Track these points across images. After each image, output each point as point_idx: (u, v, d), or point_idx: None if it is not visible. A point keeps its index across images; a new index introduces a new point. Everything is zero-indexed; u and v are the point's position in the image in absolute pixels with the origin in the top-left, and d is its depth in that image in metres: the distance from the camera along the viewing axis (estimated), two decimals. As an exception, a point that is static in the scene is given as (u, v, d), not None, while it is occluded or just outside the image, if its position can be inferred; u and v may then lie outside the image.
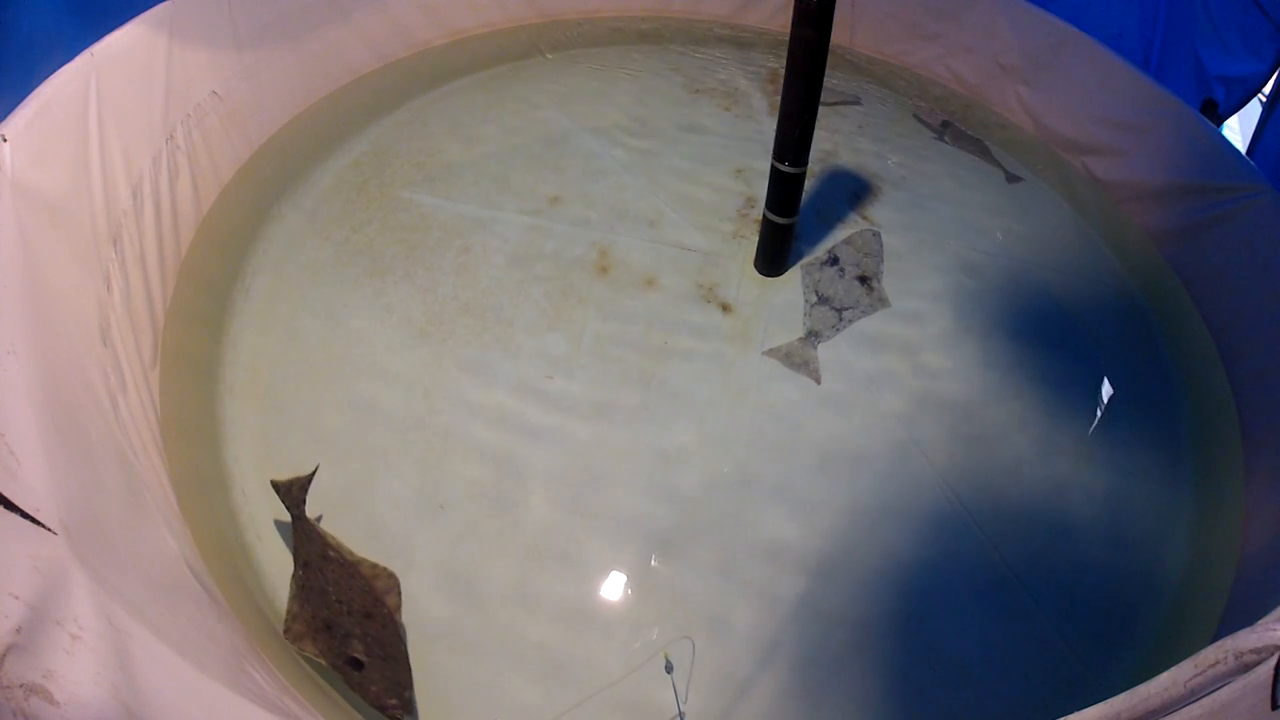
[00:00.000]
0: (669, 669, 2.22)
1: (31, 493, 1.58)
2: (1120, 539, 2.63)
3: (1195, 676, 1.18)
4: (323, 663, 2.10)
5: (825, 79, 2.63)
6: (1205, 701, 1.18)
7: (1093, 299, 3.31)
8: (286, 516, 2.34)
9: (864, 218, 3.42)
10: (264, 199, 3.32)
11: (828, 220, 3.39)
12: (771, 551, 2.48)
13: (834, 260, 3.23)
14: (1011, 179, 3.80)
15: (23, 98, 2.32)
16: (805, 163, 2.80)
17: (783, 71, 2.67)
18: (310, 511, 2.35)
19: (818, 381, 2.87)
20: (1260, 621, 1.19)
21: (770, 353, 2.93)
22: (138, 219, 2.70)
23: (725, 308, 3.05)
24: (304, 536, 2.28)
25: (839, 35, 3.99)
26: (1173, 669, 1.23)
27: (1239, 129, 4.80)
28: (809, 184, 3.26)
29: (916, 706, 2.27)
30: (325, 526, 2.37)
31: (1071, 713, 1.37)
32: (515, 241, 3.19)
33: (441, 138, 3.63)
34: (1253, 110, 4.17)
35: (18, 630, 1.33)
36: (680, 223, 3.33)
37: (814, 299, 3.09)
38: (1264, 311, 2.99)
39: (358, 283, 3.04)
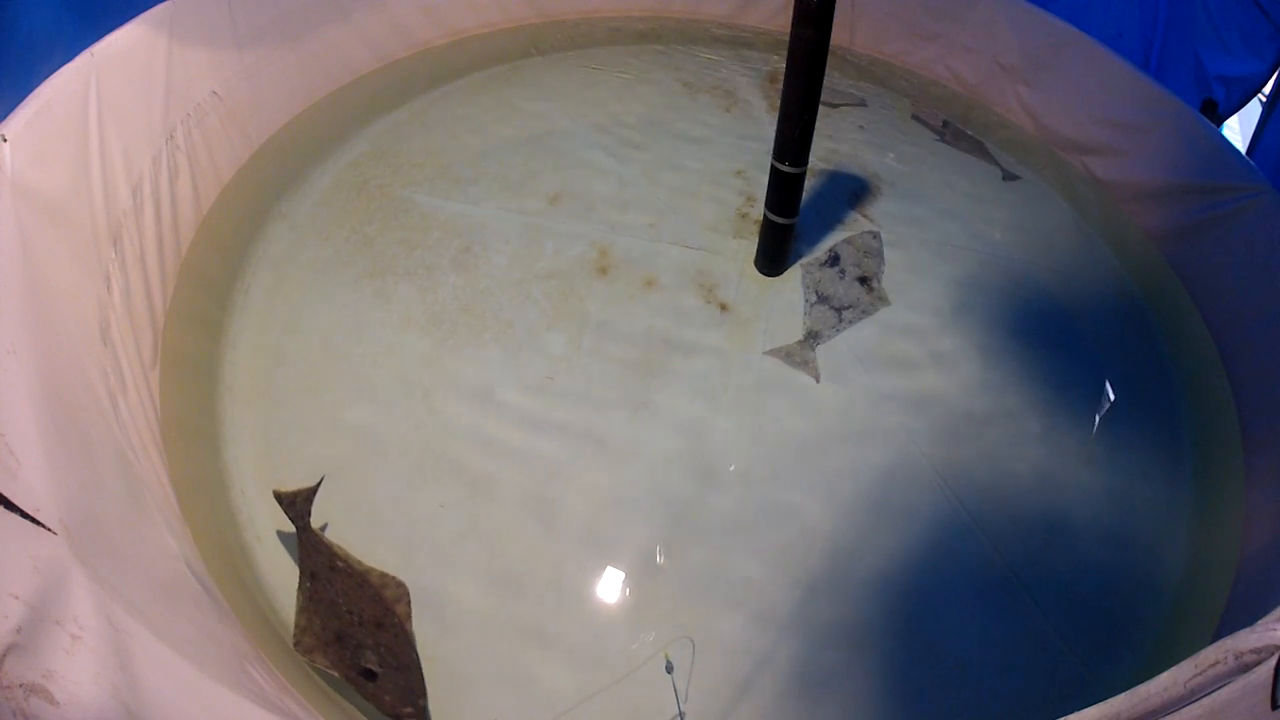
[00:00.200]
0: (669, 669, 2.22)
1: (31, 493, 1.58)
2: (1120, 539, 2.63)
3: (1195, 676, 1.18)
4: (335, 674, 2.07)
5: (828, 80, 2.63)
6: (1205, 701, 1.18)
7: (1093, 299, 3.30)
8: (287, 518, 2.34)
9: (864, 218, 3.42)
10: (264, 199, 3.32)
11: (828, 220, 3.39)
12: (772, 551, 2.48)
13: (834, 260, 3.23)
14: (1009, 177, 3.81)
15: (23, 98, 2.32)
16: (805, 163, 2.80)
17: (783, 71, 2.67)
18: (315, 523, 2.35)
19: (817, 381, 2.87)
20: (1260, 621, 1.19)
21: (770, 352, 2.93)
22: (138, 219, 2.70)
23: (725, 308, 3.05)
24: (310, 548, 2.27)
25: (839, 35, 3.99)
26: (1173, 669, 1.23)
27: (1239, 129, 4.79)
28: (809, 184, 3.26)
29: (916, 706, 2.27)
30: (327, 531, 2.37)
31: (1071, 713, 1.37)
32: (515, 241, 3.19)
33: (441, 138, 3.64)
34: (1253, 110, 4.17)
35: (18, 630, 1.33)
36: (680, 223, 3.33)
37: (814, 299, 3.09)
38: (1264, 311, 2.99)
39: (358, 282, 3.04)
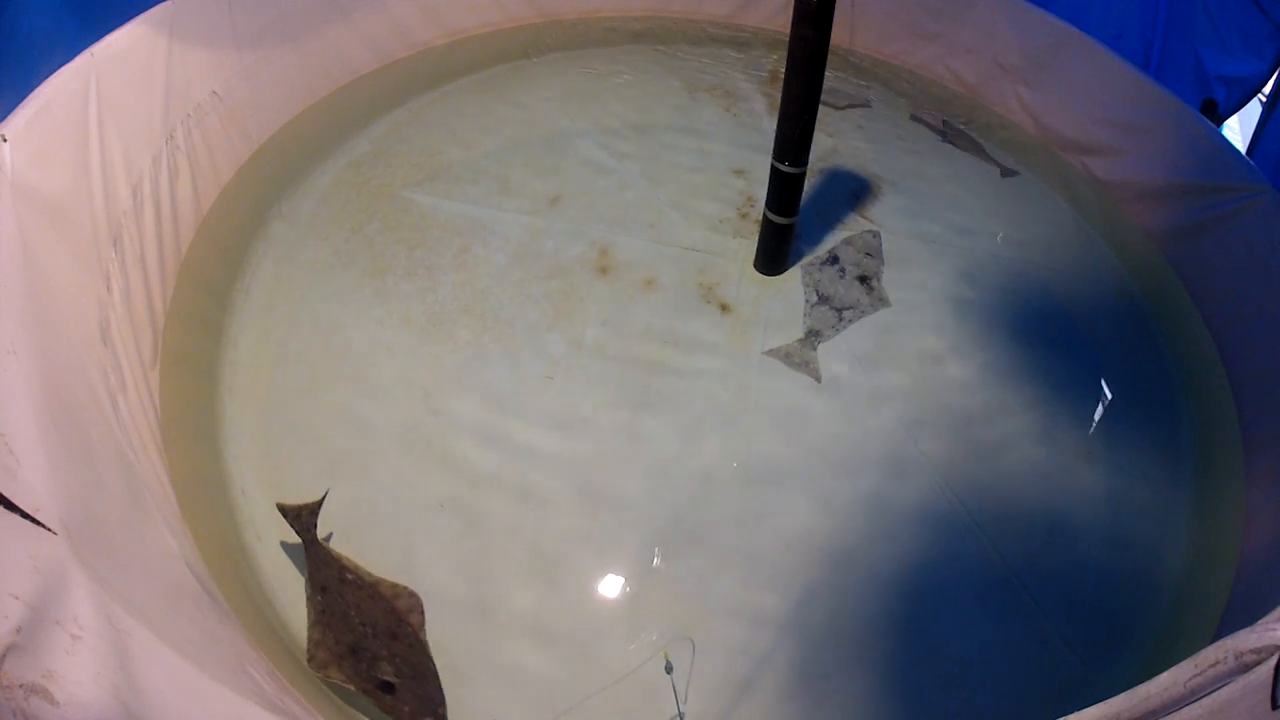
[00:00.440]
0: (669, 669, 2.22)
1: (31, 493, 1.59)
2: (1120, 539, 2.63)
3: (1195, 676, 1.18)
4: (351, 688, 2.06)
5: (832, 82, 2.64)
6: (1205, 701, 1.18)
7: (1093, 299, 3.30)
8: (284, 502, 2.34)
9: (864, 218, 3.42)
10: (264, 199, 3.32)
11: (828, 220, 3.39)
12: (772, 551, 2.48)
13: (834, 260, 3.23)
14: (1007, 174, 3.81)
15: (23, 98, 2.32)
16: (805, 163, 2.80)
17: (783, 71, 2.67)
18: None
19: (818, 381, 2.87)
20: (1260, 621, 1.19)
21: (770, 353, 2.93)
22: (138, 219, 2.70)
23: (725, 308, 3.05)
24: (319, 561, 2.26)
25: (839, 35, 3.99)
26: (1173, 669, 1.23)
27: (1239, 129, 4.80)
28: (809, 184, 3.26)
29: (916, 706, 2.27)
30: (328, 532, 2.37)
31: (1071, 713, 1.37)
32: (515, 241, 3.19)
33: (441, 138, 3.63)
34: (1253, 110, 4.17)
35: (18, 630, 1.33)
36: (680, 223, 3.33)
37: (814, 299, 3.09)
38: (1264, 312, 2.99)
39: (358, 283, 3.04)
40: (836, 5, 2.47)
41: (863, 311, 3.08)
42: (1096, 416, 2.92)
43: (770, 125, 3.53)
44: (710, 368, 2.87)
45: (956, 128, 4.03)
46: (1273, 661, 1.09)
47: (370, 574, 2.26)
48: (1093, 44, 3.72)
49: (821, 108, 3.89)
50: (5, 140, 2.14)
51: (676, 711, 2.17)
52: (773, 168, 2.84)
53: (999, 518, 2.60)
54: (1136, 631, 2.47)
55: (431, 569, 2.38)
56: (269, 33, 3.43)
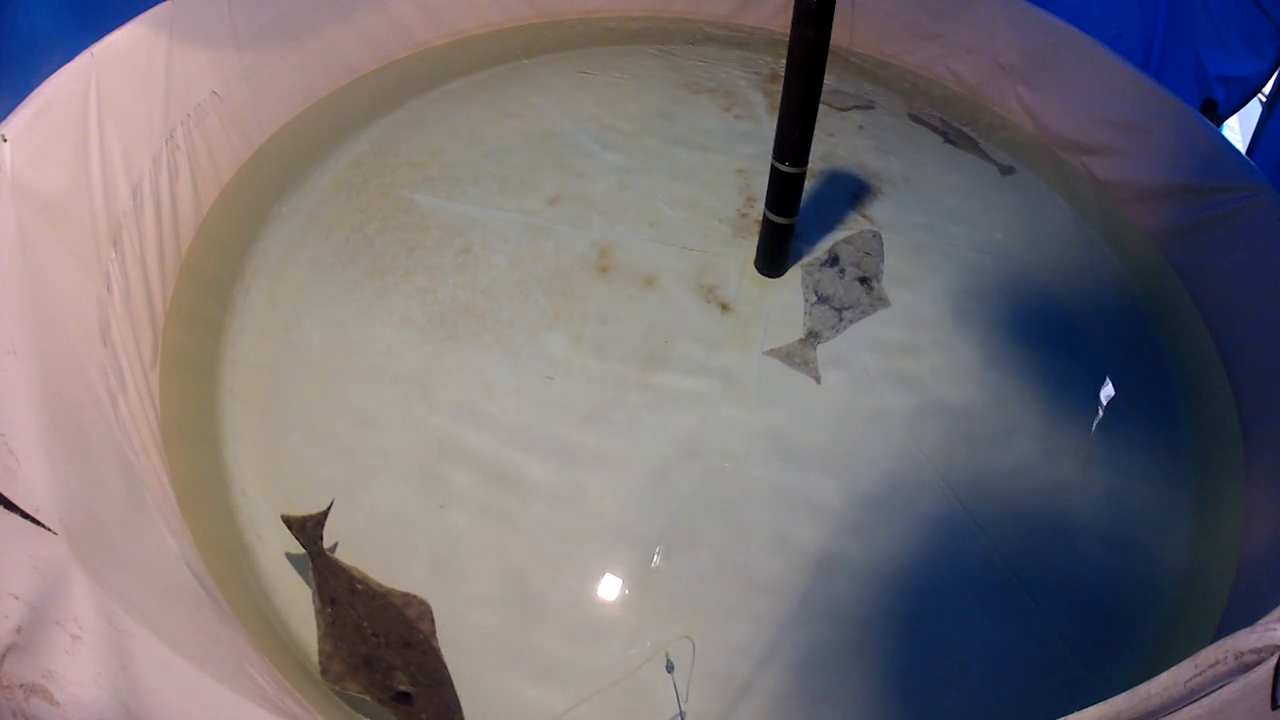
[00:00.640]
0: (669, 669, 2.22)
1: (31, 493, 1.58)
2: (1120, 539, 2.63)
3: (1195, 676, 1.18)
4: (366, 699, 2.05)
5: (835, 83, 2.63)
6: (1205, 701, 1.18)
7: (1093, 299, 3.30)
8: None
9: (864, 218, 3.42)
10: (264, 199, 3.32)
11: (828, 220, 3.39)
12: (772, 551, 2.48)
13: (834, 260, 3.23)
14: (1005, 170, 3.81)
15: (23, 98, 2.32)
16: (805, 163, 2.80)
17: (783, 71, 2.67)
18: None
19: (818, 381, 2.87)
20: (1260, 621, 1.19)
21: (770, 353, 2.93)
22: (138, 219, 2.69)
23: (725, 308, 3.05)
24: (327, 573, 2.25)
25: (839, 35, 3.99)
26: (1173, 669, 1.23)
27: (1239, 129, 4.79)
28: (809, 184, 3.26)
29: (916, 706, 2.27)
30: (333, 544, 2.36)
31: (1071, 713, 1.37)
32: (515, 241, 3.19)
33: (441, 138, 3.63)
34: (1253, 110, 4.16)
35: (18, 630, 1.33)
36: (680, 223, 3.33)
37: (814, 299, 3.09)
38: (1264, 312, 2.99)
39: (358, 283, 3.04)
40: (836, 5, 2.47)
41: (863, 311, 3.08)
42: (1096, 416, 2.92)
43: (770, 125, 3.53)
44: (710, 368, 2.87)
45: (956, 127, 4.03)
46: (1273, 661, 1.09)
47: (380, 584, 2.25)
48: (1093, 44, 3.72)
49: (824, 109, 3.90)
50: (5, 140, 2.14)
51: (677, 711, 2.17)
52: (773, 168, 2.84)
53: (999, 518, 2.60)
54: (1136, 631, 2.47)
55: (431, 569, 2.37)
56: (269, 33, 3.43)
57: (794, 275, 3.17)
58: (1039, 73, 3.96)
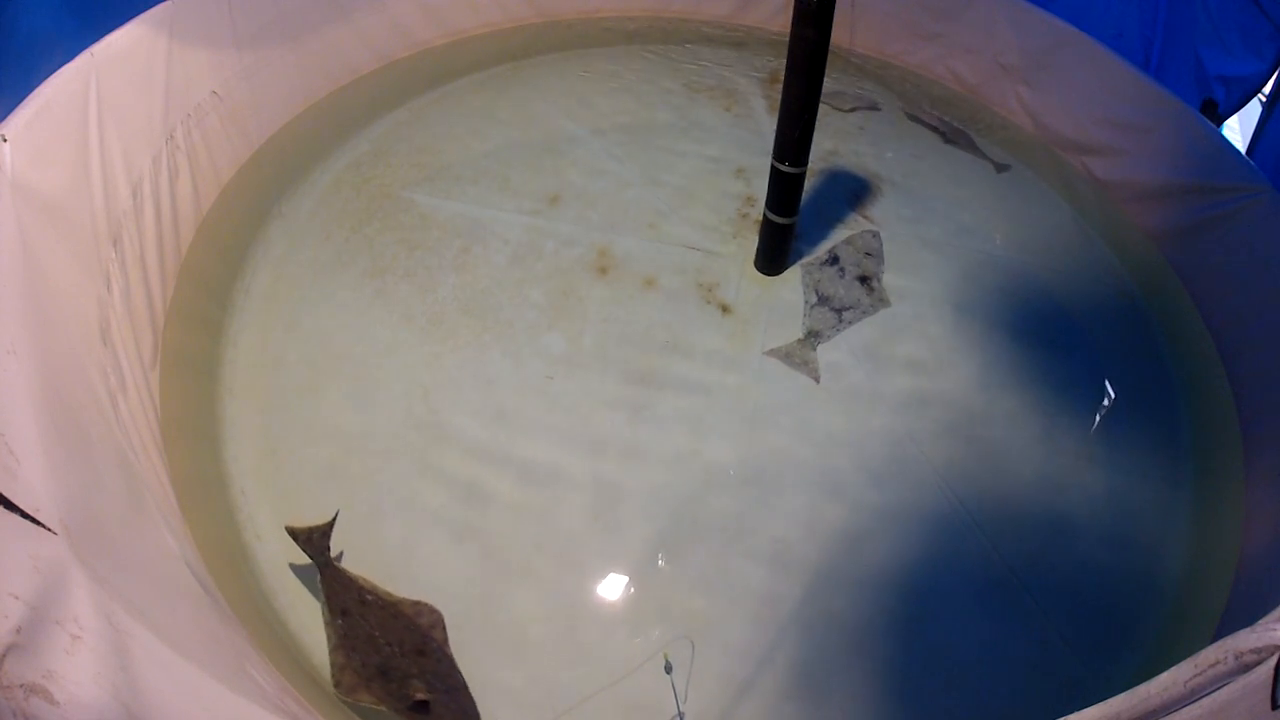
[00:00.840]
0: (669, 669, 2.22)
1: (31, 493, 1.58)
2: (1120, 539, 2.63)
3: (1195, 676, 1.18)
4: (382, 709, 2.04)
5: (837, 84, 2.63)
6: (1205, 701, 1.18)
7: (1093, 299, 3.30)
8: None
9: (864, 218, 3.42)
10: (264, 199, 3.32)
11: (828, 220, 3.39)
12: (771, 551, 2.48)
13: (834, 260, 3.23)
14: (1000, 168, 3.81)
15: (23, 98, 2.32)
16: (805, 163, 2.80)
17: (783, 71, 2.67)
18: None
19: (817, 381, 2.87)
20: (1260, 621, 1.19)
21: (770, 353, 2.93)
22: (138, 219, 2.70)
23: (725, 308, 3.05)
24: (336, 584, 2.24)
25: (839, 35, 3.99)
26: (1173, 669, 1.23)
27: (1239, 129, 4.79)
28: (809, 184, 3.26)
29: (916, 706, 2.27)
30: (338, 553, 2.35)
31: (1071, 713, 1.37)
32: (515, 241, 3.19)
33: (441, 138, 3.63)
34: (1253, 110, 4.16)
35: (18, 630, 1.33)
36: (680, 223, 3.33)
37: (814, 299, 3.09)
38: (1264, 311, 2.99)
39: (358, 282, 3.04)
40: (836, 5, 2.47)
41: (863, 311, 3.08)
42: (1096, 416, 2.92)
43: (770, 125, 3.53)
44: (710, 368, 2.87)
45: (952, 125, 4.03)
46: (1273, 661, 1.09)
47: (390, 594, 2.24)
48: (1093, 44, 3.72)
49: (827, 110, 3.90)
50: (5, 140, 2.14)
51: (676, 711, 2.17)
52: (773, 168, 2.84)
53: (999, 518, 2.60)
54: (1136, 631, 2.47)
55: (431, 570, 2.38)
56: (269, 33, 3.43)
57: (794, 275, 3.17)
58: (1039, 73, 3.96)
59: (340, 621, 2.16)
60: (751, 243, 3.19)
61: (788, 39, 2.55)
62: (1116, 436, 2.86)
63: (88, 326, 2.27)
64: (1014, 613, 2.45)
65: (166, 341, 2.73)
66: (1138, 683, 1.27)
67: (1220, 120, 4.16)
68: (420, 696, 2.04)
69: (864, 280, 3.17)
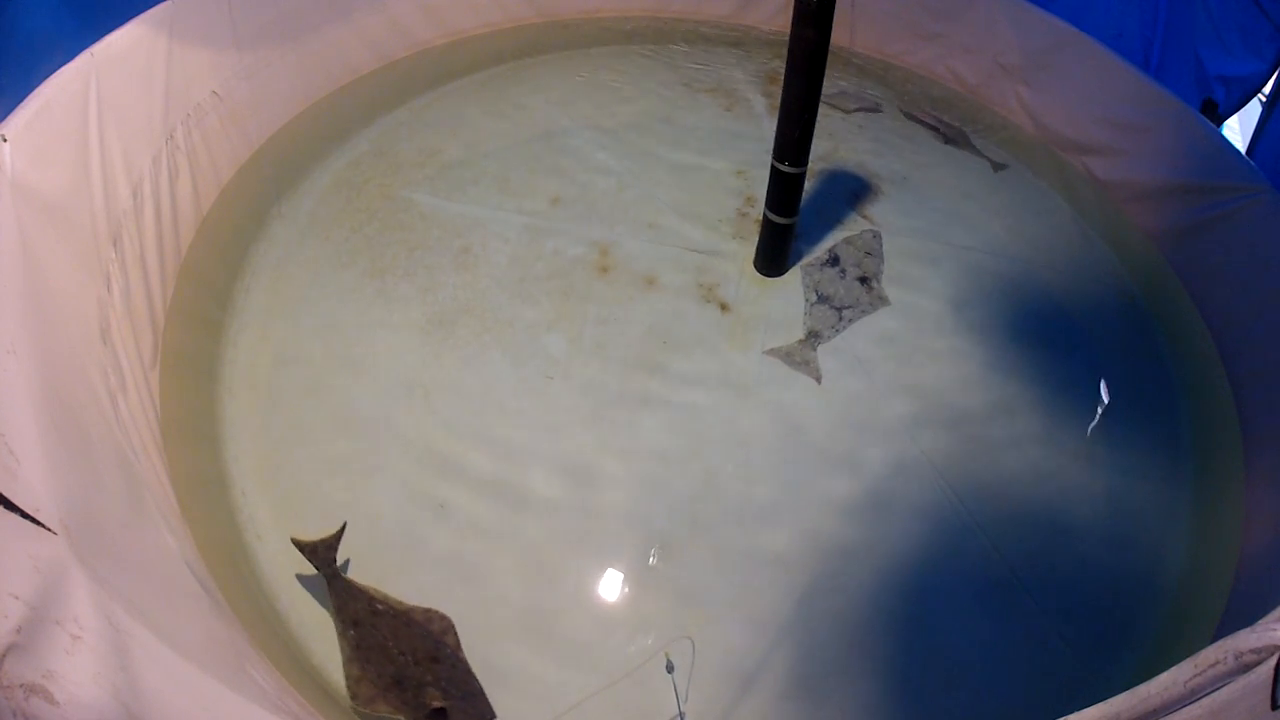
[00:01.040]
0: (669, 669, 2.22)
1: (31, 493, 1.58)
2: (1120, 539, 2.63)
3: (1195, 676, 1.18)
4: (399, 719, 2.04)
5: (840, 85, 2.62)
6: (1205, 701, 1.18)
7: (1093, 299, 3.31)
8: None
9: (864, 218, 3.42)
10: (264, 199, 3.32)
11: (828, 220, 3.39)
12: (771, 551, 2.48)
13: (834, 260, 3.23)
14: (998, 167, 3.82)
15: (23, 98, 2.32)
16: (805, 163, 2.80)
17: (783, 71, 2.67)
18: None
19: (818, 381, 2.87)
20: (1260, 621, 1.19)
21: (770, 352, 2.93)
22: (138, 219, 2.70)
23: (725, 308, 3.05)
24: (345, 595, 2.22)
25: (839, 35, 3.99)
26: (1173, 669, 1.23)
27: (1239, 129, 4.79)
28: (809, 184, 3.26)
29: (916, 706, 2.27)
30: (344, 562, 2.34)
31: (1071, 713, 1.37)
32: (515, 241, 3.19)
33: (441, 138, 3.64)
34: (1253, 110, 4.16)
35: (18, 630, 1.33)
36: (680, 223, 3.33)
37: (814, 299, 3.09)
38: (1264, 312, 2.99)
39: (358, 282, 3.04)
40: (836, 5, 2.47)
41: (863, 311, 3.08)
42: (1096, 417, 2.92)
43: (770, 125, 3.53)
44: (710, 368, 2.87)
45: (955, 127, 4.03)
46: (1273, 661, 1.09)
47: (400, 602, 2.23)
48: (1093, 44, 3.72)
49: (828, 110, 3.90)
50: (5, 140, 2.14)
51: (677, 711, 2.17)
52: (773, 168, 2.84)
53: (999, 518, 2.60)
54: (1136, 631, 2.47)
55: (431, 570, 2.37)
56: (269, 33, 3.43)
57: (794, 275, 3.17)
58: (1039, 73, 3.96)
59: (353, 633, 2.15)
60: (751, 243, 3.19)
61: (788, 39, 2.55)
62: (1116, 436, 2.86)
63: (88, 326, 2.27)
64: (1014, 613, 2.45)
65: (166, 341, 2.73)
66: (1138, 683, 1.27)
67: (1220, 120, 4.16)
68: (437, 704, 2.03)
69: (864, 280, 3.17)
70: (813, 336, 2.98)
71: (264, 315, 2.94)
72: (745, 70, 4.25)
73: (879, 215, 3.45)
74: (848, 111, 4.01)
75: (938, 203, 3.57)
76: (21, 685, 1.29)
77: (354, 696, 2.05)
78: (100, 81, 2.55)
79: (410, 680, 2.08)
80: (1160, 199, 3.52)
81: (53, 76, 2.42)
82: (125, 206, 2.64)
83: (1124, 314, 3.29)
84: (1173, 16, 4.13)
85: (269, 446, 2.61)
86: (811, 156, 2.82)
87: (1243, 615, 2.30)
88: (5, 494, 1.53)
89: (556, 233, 3.23)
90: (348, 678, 2.09)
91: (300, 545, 2.28)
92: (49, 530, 1.55)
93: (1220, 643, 1.17)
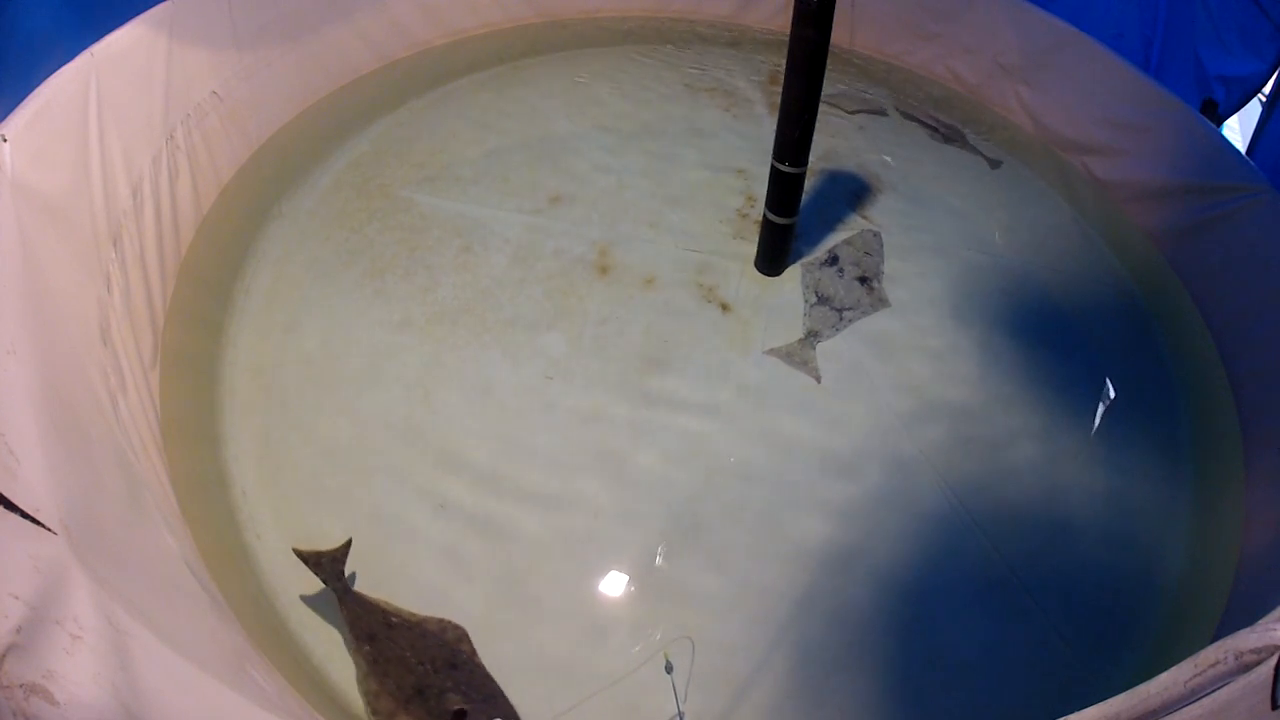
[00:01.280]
0: (669, 669, 2.22)
1: (31, 493, 1.59)
2: (1120, 539, 2.63)
3: (1195, 676, 1.18)
4: None
5: (843, 86, 2.62)
6: (1205, 701, 1.18)
7: (1093, 299, 3.31)
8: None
9: (864, 218, 3.42)
10: (264, 199, 3.32)
11: (828, 220, 3.39)
12: (771, 551, 2.48)
13: (834, 260, 3.23)
14: (993, 164, 3.82)
15: (23, 98, 2.32)
16: (805, 163, 2.80)
17: (783, 72, 2.67)
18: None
19: (818, 381, 2.87)
20: (1260, 621, 1.19)
21: (770, 353, 2.93)
22: (138, 219, 2.70)
23: (725, 307, 3.05)
24: (358, 611, 2.21)
25: (839, 35, 3.99)
26: (1173, 669, 1.23)
27: (1239, 129, 4.79)
28: (809, 184, 3.26)
29: (916, 706, 2.27)
30: (350, 574, 2.33)
31: (1071, 713, 1.37)
32: (515, 241, 3.19)
33: (441, 138, 3.64)
34: (1253, 110, 4.16)
35: (18, 630, 1.33)
36: (680, 223, 3.33)
37: (814, 299, 3.09)
38: (1264, 312, 2.99)
39: (358, 283, 3.04)
40: (836, 5, 2.47)
41: (862, 311, 3.08)
42: (1096, 416, 2.92)
43: (770, 125, 3.53)
44: (710, 368, 2.87)
45: (955, 127, 4.03)
46: (1273, 661, 1.09)
47: (413, 614, 2.23)
48: (1093, 44, 3.72)
49: (828, 110, 3.90)
50: (5, 140, 2.14)
51: (676, 711, 2.17)
52: (773, 168, 2.84)
53: (999, 517, 2.60)
54: (1136, 631, 2.47)
55: (431, 570, 2.37)
56: (269, 33, 3.43)
57: (794, 275, 3.17)
58: (1039, 73, 3.96)
59: (369, 648, 2.14)
60: (751, 243, 3.19)
61: (788, 39, 2.55)
62: (1116, 436, 2.86)
63: (88, 326, 2.27)
64: (1014, 613, 2.45)
65: (166, 341, 2.73)
66: (1138, 683, 1.27)
67: (1220, 120, 4.16)
68: (458, 706, 2.04)
69: (864, 280, 3.17)
70: (813, 336, 2.98)
71: (264, 315, 2.94)
72: (745, 70, 4.25)
73: (879, 215, 3.45)
74: (848, 112, 4.01)
75: (938, 203, 3.57)
76: (21, 685, 1.29)
77: (374, 713, 2.04)
78: (100, 81, 2.55)
79: (432, 689, 2.08)
80: (1160, 199, 3.52)
81: (53, 76, 2.42)
82: (125, 206, 2.64)
83: (1124, 314, 3.29)
84: (1173, 16, 4.13)
85: (269, 446, 2.61)
86: (811, 156, 2.82)
87: (1243, 615, 2.30)
88: (5, 494, 1.53)
89: (556, 233, 3.23)
90: (366, 694, 2.07)
91: (304, 557, 2.25)
92: (49, 530, 1.55)
93: (1220, 643, 1.17)
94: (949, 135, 3.97)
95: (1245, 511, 2.69)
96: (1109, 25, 4.18)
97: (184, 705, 1.52)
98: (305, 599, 2.29)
